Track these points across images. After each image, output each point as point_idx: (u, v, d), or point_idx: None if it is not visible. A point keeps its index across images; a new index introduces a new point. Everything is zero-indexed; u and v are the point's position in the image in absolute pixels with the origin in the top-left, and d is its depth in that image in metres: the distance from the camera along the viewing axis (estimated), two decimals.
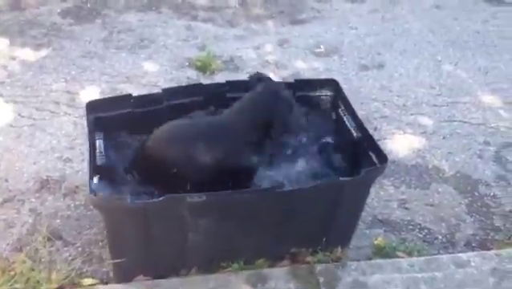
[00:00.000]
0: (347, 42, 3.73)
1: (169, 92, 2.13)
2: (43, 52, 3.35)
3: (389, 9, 4.26)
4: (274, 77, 3.30)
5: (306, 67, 3.42)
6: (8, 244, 2.11)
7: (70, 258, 2.06)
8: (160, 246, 1.85)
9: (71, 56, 3.33)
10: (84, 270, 2.02)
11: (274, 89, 1.95)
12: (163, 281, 1.90)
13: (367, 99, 3.13)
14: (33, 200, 2.32)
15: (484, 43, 3.79)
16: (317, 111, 2.13)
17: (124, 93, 2.96)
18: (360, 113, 2.97)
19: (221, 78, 3.10)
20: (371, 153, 1.90)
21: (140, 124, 2.05)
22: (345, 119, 2.06)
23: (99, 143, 1.88)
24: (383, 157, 1.87)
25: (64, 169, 2.49)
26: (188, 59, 3.39)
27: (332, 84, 2.20)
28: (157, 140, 1.97)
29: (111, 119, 2.02)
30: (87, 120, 1.95)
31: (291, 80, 2.28)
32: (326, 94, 2.18)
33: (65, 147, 2.62)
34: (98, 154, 1.84)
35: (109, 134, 1.99)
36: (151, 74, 3.24)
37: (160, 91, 2.15)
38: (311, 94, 2.17)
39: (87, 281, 1.95)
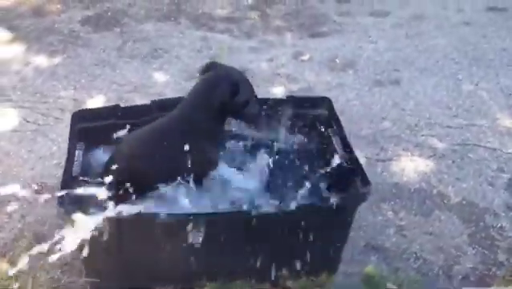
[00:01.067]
0: (364, 57, 3.62)
1: (157, 104, 2.11)
2: (57, 59, 3.41)
3: (415, 24, 4.12)
4: (284, 90, 3.24)
5: (318, 81, 3.34)
6: None
7: (49, 267, 2.05)
8: (132, 263, 1.82)
9: (84, 64, 3.38)
10: (62, 281, 2.01)
11: (222, 72, 1.87)
12: None
13: (377, 116, 3.01)
14: (25, 205, 2.34)
15: (510, 62, 3.58)
16: (306, 131, 2.04)
17: (131, 102, 2.98)
18: (367, 132, 2.90)
19: None
20: (355, 178, 1.80)
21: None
22: (333, 140, 1.97)
23: (78, 153, 1.87)
24: (366, 182, 1.77)
25: (60, 176, 2.49)
26: (198, 70, 3.36)
27: (325, 102, 2.11)
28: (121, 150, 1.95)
29: (97, 129, 2.02)
30: (70, 129, 1.95)
31: (283, 97, 2.21)
32: (317, 112, 2.09)
33: (64, 153, 2.61)
34: (75, 165, 1.83)
35: (92, 145, 1.98)
36: (160, 84, 3.24)
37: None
38: (302, 112, 2.08)
39: None
